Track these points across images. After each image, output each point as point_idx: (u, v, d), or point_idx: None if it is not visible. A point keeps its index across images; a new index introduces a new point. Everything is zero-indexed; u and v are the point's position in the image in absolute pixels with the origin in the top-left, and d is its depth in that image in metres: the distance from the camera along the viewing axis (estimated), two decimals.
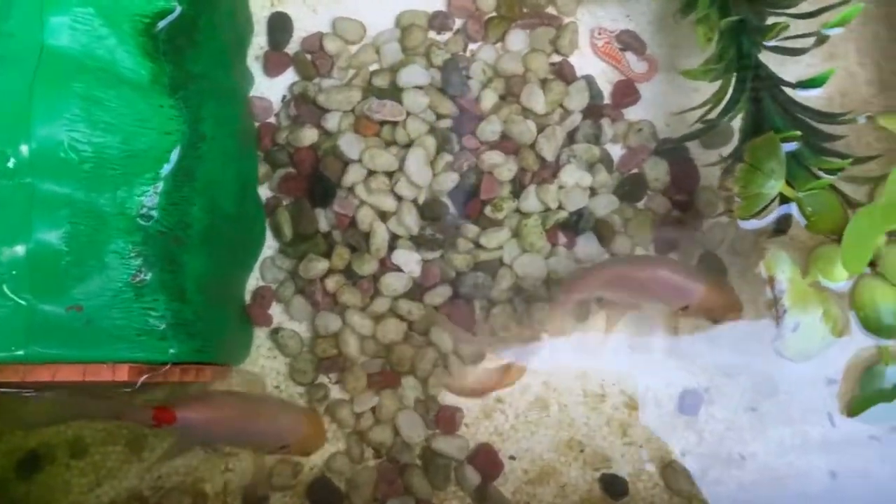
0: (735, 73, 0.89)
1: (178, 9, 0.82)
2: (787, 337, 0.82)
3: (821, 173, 0.83)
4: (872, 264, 0.84)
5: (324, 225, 0.98)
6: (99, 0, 0.77)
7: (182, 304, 0.80)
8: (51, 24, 0.75)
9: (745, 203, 0.80)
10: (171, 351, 0.78)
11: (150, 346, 0.77)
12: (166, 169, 0.80)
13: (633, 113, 1.02)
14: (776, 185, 0.79)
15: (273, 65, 1.02)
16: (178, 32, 0.82)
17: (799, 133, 0.81)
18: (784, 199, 0.82)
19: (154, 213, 0.79)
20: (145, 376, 0.77)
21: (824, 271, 0.84)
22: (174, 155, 0.80)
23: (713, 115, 0.91)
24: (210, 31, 0.87)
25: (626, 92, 1.02)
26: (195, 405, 0.82)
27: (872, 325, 0.86)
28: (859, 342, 0.90)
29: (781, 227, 0.88)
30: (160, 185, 0.80)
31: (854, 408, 0.93)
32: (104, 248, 0.77)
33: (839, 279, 0.85)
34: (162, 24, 0.81)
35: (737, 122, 0.91)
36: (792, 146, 0.82)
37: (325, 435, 0.94)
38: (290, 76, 1.02)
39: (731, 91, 0.89)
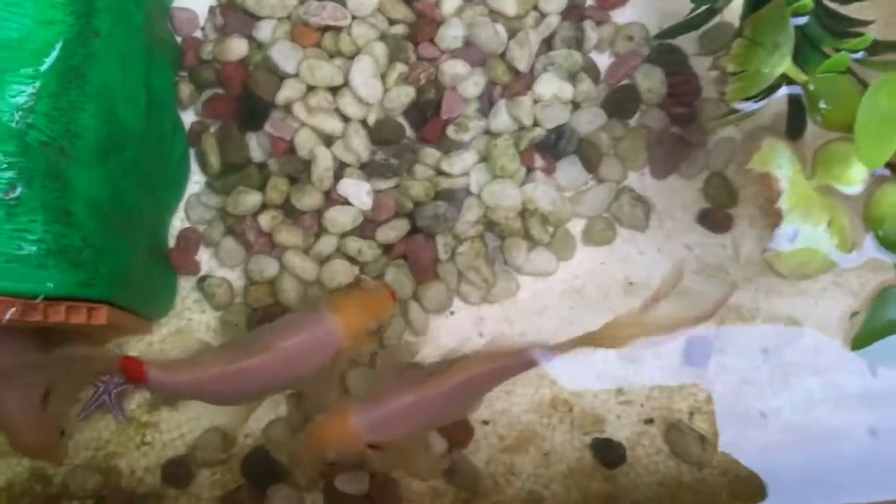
0: None
1: None
2: (783, 247, 0.66)
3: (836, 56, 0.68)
4: (893, 167, 0.69)
5: (257, 152, 0.83)
6: None
7: (66, 228, 0.65)
8: None
9: (742, 82, 0.65)
10: (49, 282, 0.63)
11: (22, 274, 0.62)
12: (47, 65, 0.66)
13: (621, 15, 0.87)
14: (780, 63, 0.64)
15: None
16: None
17: (811, 4, 0.66)
18: (782, 80, 0.67)
19: (32, 117, 0.65)
20: (12, 310, 0.62)
21: (834, 173, 0.68)
22: (56, 49, 0.66)
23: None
24: None
25: None
26: (176, 365, 0.68)
27: (892, 242, 0.71)
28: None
29: (795, 126, 0.72)
30: (39, 85, 0.65)
31: (858, 340, 0.77)
32: None
33: (852, 182, 0.69)
34: None
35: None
36: (803, 21, 0.67)
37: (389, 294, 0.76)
38: None
39: None
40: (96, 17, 0.69)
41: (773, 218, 0.65)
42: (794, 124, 0.72)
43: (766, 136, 0.66)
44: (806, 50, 0.66)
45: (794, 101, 0.70)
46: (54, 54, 0.66)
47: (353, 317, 0.71)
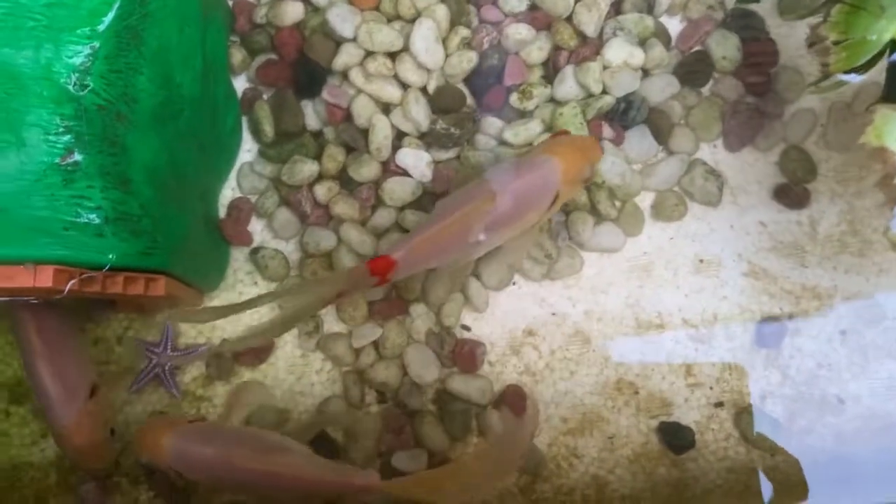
0: None
1: None
2: None
3: None
4: None
5: (312, 120, 0.80)
6: None
7: (125, 195, 0.63)
8: None
9: (846, 53, 0.61)
10: (108, 252, 0.61)
11: (81, 243, 0.60)
12: (104, 25, 0.63)
13: None
14: (889, 28, 0.59)
15: None
16: None
17: None
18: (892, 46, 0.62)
19: (89, 80, 0.62)
20: (75, 280, 0.60)
21: None
22: (114, 8, 0.63)
23: None
24: None
25: None
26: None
27: None
28: None
29: (893, 94, 0.68)
30: (97, 46, 0.62)
31: None
32: (22, 119, 0.60)
33: None
34: None
35: None
36: None
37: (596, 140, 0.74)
38: None
39: None
40: None
41: (892, 194, 0.60)
42: (892, 91, 0.67)
43: (862, 105, 0.61)
44: None
45: (893, 66, 0.65)
46: (112, 13, 0.63)
47: (571, 161, 0.67)
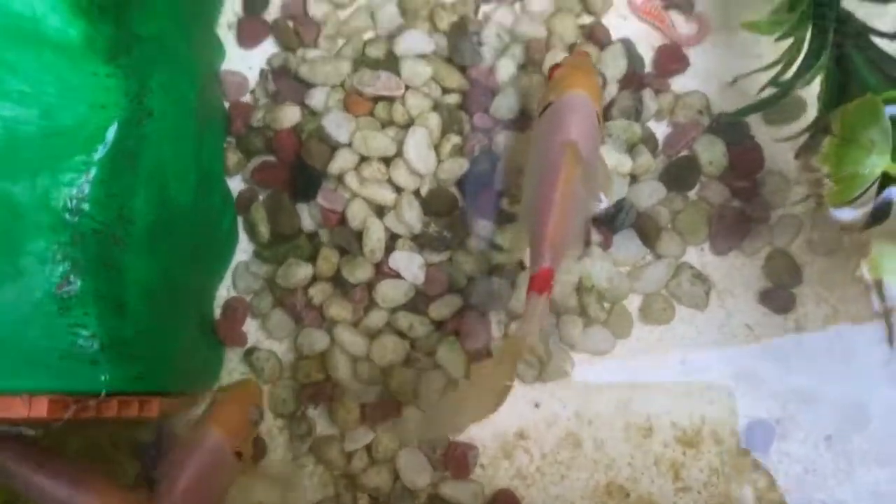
0: (811, 26, 0.71)
1: None
2: None
3: None
4: None
5: (308, 223, 0.82)
6: None
7: (120, 320, 0.64)
8: None
9: (839, 186, 0.62)
10: (104, 378, 0.62)
11: (76, 372, 0.61)
12: (101, 151, 0.64)
13: (680, 83, 0.84)
14: (879, 162, 0.61)
15: (248, 33, 0.86)
16: None
17: None
18: (887, 180, 0.63)
19: (86, 205, 0.63)
20: (71, 411, 0.61)
21: None
22: (111, 134, 0.64)
23: (783, 79, 0.74)
24: None
25: (672, 58, 0.84)
26: None
27: None
28: None
29: (878, 214, 0.69)
30: (93, 172, 0.64)
31: None
32: (19, 249, 0.61)
33: None
34: None
35: (811, 92, 0.73)
36: (894, 110, 0.64)
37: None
38: (268, 47, 0.86)
39: (806, 47, 0.72)
40: (149, 97, 0.68)
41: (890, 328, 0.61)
42: (876, 211, 0.69)
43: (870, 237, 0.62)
44: None
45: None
46: (109, 139, 0.65)
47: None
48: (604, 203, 0.79)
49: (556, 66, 0.71)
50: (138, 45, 0.68)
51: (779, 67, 0.72)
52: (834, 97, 0.68)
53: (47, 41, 0.63)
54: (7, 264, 0.60)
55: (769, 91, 0.73)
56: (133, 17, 0.68)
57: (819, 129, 0.68)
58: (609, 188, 0.74)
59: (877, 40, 0.71)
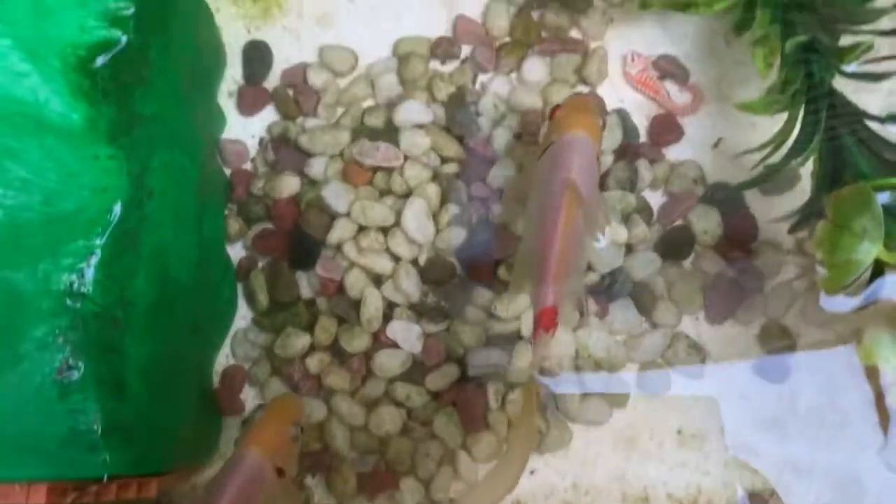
0: (804, 105, 0.72)
1: (123, 39, 0.67)
2: None
3: None
4: None
5: (306, 291, 0.82)
6: (17, 29, 0.63)
7: (119, 403, 0.64)
8: None
9: (833, 273, 0.63)
10: (104, 464, 0.62)
11: (75, 458, 0.62)
12: (102, 234, 0.65)
13: (675, 152, 0.85)
14: (871, 250, 0.62)
15: (249, 102, 0.87)
16: (123, 67, 0.68)
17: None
18: (880, 268, 0.64)
19: (87, 289, 0.64)
20: (70, 498, 0.61)
21: None
22: (112, 216, 0.65)
23: (777, 154, 0.75)
24: (164, 64, 0.72)
25: (667, 128, 0.85)
26: None
27: None
28: None
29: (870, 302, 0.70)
30: (94, 255, 0.64)
31: None
32: (20, 336, 0.61)
33: None
34: (101, 59, 0.66)
35: (806, 164, 0.75)
36: (886, 197, 0.65)
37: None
38: (268, 115, 0.87)
39: (799, 126, 0.73)
40: (150, 176, 0.69)
41: (883, 415, 0.62)
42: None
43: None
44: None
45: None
46: (110, 222, 0.65)
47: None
48: (598, 272, 0.80)
49: (556, 107, 0.72)
50: (140, 124, 0.69)
51: (772, 146, 0.73)
52: (827, 178, 0.69)
53: (49, 126, 0.64)
54: (7, 352, 0.61)
55: (765, 163, 0.74)
56: (135, 97, 0.69)
57: (812, 211, 0.69)
58: (608, 226, 0.75)
59: (869, 122, 0.72)
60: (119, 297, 0.66)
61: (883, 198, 0.65)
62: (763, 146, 0.73)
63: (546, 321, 0.62)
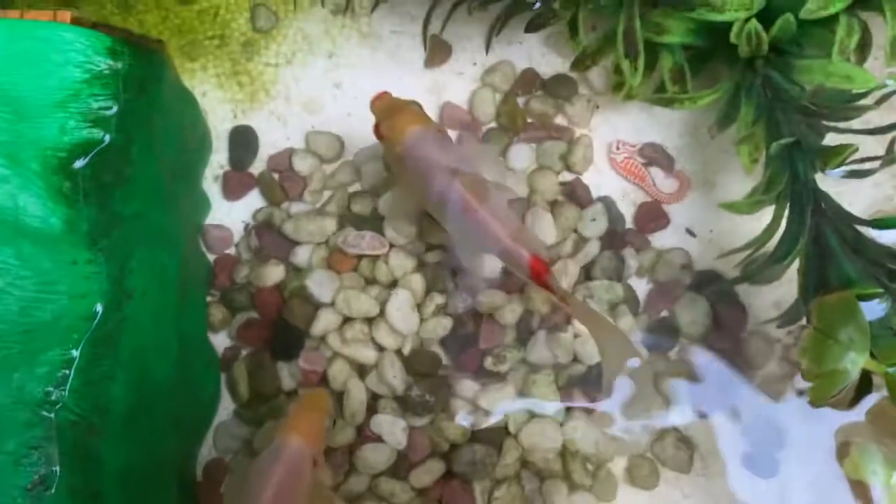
0: (789, 204, 0.72)
1: (106, 139, 0.67)
2: None
3: None
4: None
5: (287, 382, 0.81)
6: None
7: None
8: None
9: (819, 384, 0.62)
10: None
11: None
12: (79, 341, 0.63)
13: (661, 240, 0.85)
14: (858, 360, 0.61)
15: (234, 187, 0.87)
16: (104, 167, 0.67)
17: (882, 290, 0.63)
18: (867, 379, 0.64)
19: (62, 397, 0.63)
20: None
21: None
22: (91, 323, 0.64)
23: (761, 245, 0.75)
24: (146, 160, 0.71)
25: (653, 214, 0.85)
26: None
27: None
28: None
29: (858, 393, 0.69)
30: (71, 363, 0.63)
31: None
32: None
33: None
34: (82, 160, 0.66)
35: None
36: (875, 305, 0.64)
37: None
38: (253, 200, 0.87)
39: (784, 224, 0.73)
40: (129, 278, 0.68)
41: None
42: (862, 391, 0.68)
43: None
44: (882, 337, 0.62)
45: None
46: (88, 328, 0.64)
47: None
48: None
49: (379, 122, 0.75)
50: (120, 224, 0.68)
51: (757, 245, 0.73)
52: (813, 279, 0.68)
53: (27, 232, 0.63)
54: None
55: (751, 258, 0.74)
56: (116, 197, 0.68)
57: (798, 313, 0.69)
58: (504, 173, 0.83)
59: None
60: (95, 404, 0.64)
61: (871, 306, 0.65)
62: (748, 245, 0.73)
63: (537, 270, 0.68)
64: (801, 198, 0.71)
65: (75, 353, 0.63)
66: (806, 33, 0.75)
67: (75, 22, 0.68)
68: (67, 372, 0.63)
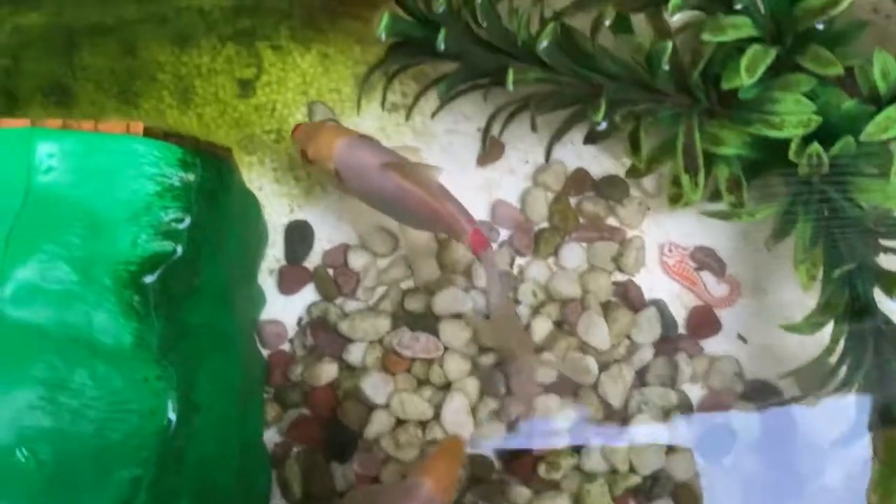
0: (848, 324, 0.73)
1: (178, 251, 0.68)
2: None
3: None
4: None
5: (340, 482, 0.81)
6: (70, 250, 0.63)
7: None
8: (6, 290, 0.61)
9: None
10: None
11: None
12: (149, 458, 0.64)
13: (713, 346, 0.85)
14: None
15: (289, 281, 0.87)
16: (173, 279, 0.68)
17: None
18: None
19: None
20: None
21: None
22: (161, 439, 0.64)
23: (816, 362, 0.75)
24: (214, 269, 0.72)
25: (705, 320, 0.85)
26: None
27: None
28: None
29: None
30: (140, 481, 0.63)
31: None
32: None
33: None
34: (153, 274, 0.66)
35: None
36: None
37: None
38: (308, 294, 0.87)
39: (842, 344, 0.73)
40: (197, 391, 0.69)
41: None
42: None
43: None
44: None
45: None
46: (158, 446, 0.64)
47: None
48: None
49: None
50: (188, 335, 0.69)
51: (818, 364, 0.73)
52: (876, 408, 0.68)
53: (100, 352, 0.63)
54: None
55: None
56: (184, 309, 0.69)
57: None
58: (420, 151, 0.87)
59: None
60: None
61: None
62: (807, 367, 0.73)
63: (477, 242, 0.70)
64: (861, 317, 0.72)
65: (144, 471, 0.63)
66: (864, 152, 0.76)
67: (147, 133, 0.70)
68: (136, 490, 0.63)
